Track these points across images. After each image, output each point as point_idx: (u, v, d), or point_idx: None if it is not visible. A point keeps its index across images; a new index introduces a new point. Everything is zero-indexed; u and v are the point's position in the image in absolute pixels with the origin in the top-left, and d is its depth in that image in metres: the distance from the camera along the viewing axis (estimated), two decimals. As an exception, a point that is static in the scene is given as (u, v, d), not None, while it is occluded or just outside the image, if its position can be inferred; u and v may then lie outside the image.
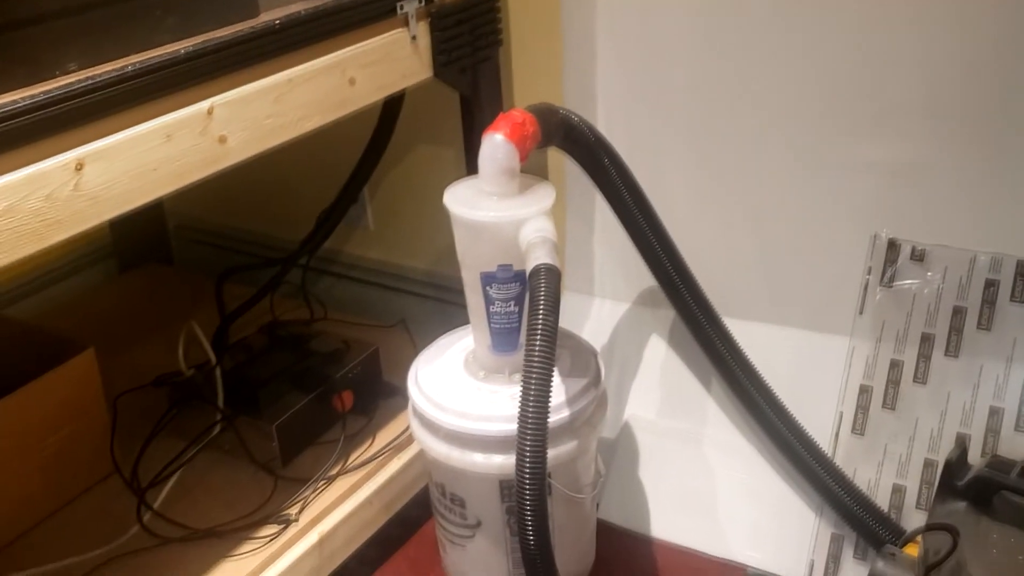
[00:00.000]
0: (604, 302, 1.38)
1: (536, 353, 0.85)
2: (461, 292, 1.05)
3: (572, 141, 1.07)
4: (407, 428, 1.14)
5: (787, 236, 1.21)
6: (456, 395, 1.03)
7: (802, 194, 1.18)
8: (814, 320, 1.21)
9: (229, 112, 0.87)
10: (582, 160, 1.11)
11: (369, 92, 1.03)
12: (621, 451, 1.27)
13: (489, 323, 1.03)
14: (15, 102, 0.72)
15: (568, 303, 1.33)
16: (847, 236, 1.16)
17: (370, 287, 1.62)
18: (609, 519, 1.23)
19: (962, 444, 1.01)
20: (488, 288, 1.01)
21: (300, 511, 1.10)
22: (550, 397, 0.86)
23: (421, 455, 1.16)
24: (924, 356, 1.11)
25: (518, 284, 1.00)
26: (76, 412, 1.13)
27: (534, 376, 0.85)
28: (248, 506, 1.10)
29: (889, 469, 1.11)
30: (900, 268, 1.13)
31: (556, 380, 0.97)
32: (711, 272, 1.21)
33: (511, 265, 0.99)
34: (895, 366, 1.12)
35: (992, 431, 1.06)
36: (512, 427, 0.87)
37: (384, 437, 1.21)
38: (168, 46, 0.84)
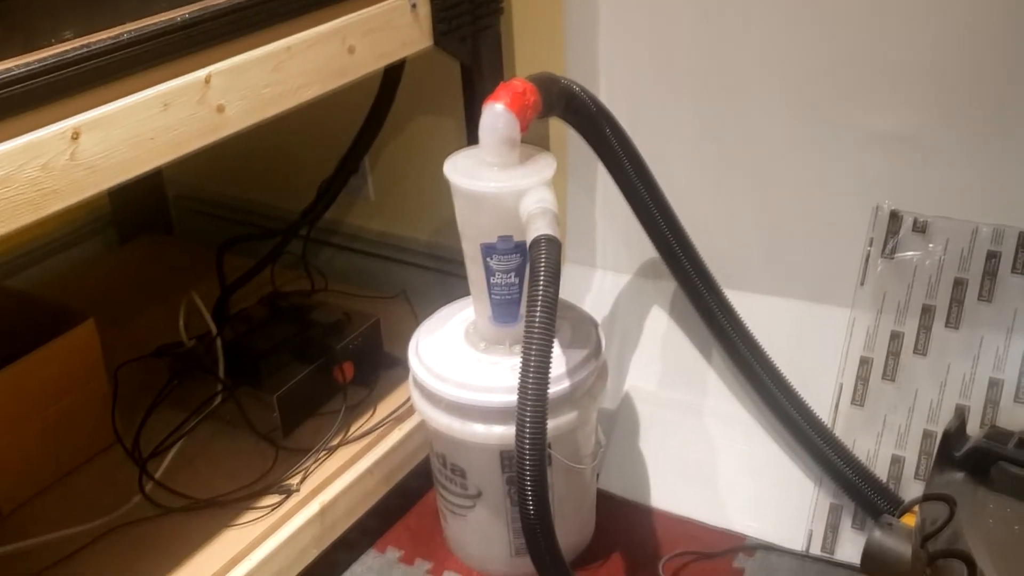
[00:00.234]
0: (606, 273, 1.37)
1: (536, 324, 0.85)
2: (462, 263, 1.05)
3: (573, 111, 1.07)
4: (408, 399, 1.14)
5: (789, 207, 1.20)
6: (457, 366, 1.04)
7: (805, 165, 1.17)
8: (815, 291, 1.21)
9: (227, 81, 0.86)
10: (583, 130, 1.10)
11: (369, 61, 1.02)
12: (621, 422, 1.28)
13: (490, 294, 1.03)
14: (9, 70, 0.71)
15: (569, 274, 1.33)
16: (849, 208, 1.16)
17: (371, 258, 1.61)
18: (609, 489, 1.23)
19: (961, 415, 1.01)
20: (488, 259, 1.00)
21: (301, 481, 1.10)
22: (550, 368, 0.86)
23: (422, 426, 1.17)
24: (925, 327, 1.11)
25: (519, 255, 1.00)
26: (76, 382, 1.13)
27: (534, 347, 0.85)
28: (249, 476, 1.11)
29: (888, 440, 1.11)
30: (902, 239, 1.13)
31: (556, 351, 0.97)
32: (713, 243, 1.20)
33: (511, 236, 0.98)
34: (895, 337, 1.12)
35: (991, 402, 1.07)
36: (512, 398, 0.87)
37: (385, 408, 1.22)
38: (165, 13, 0.83)
